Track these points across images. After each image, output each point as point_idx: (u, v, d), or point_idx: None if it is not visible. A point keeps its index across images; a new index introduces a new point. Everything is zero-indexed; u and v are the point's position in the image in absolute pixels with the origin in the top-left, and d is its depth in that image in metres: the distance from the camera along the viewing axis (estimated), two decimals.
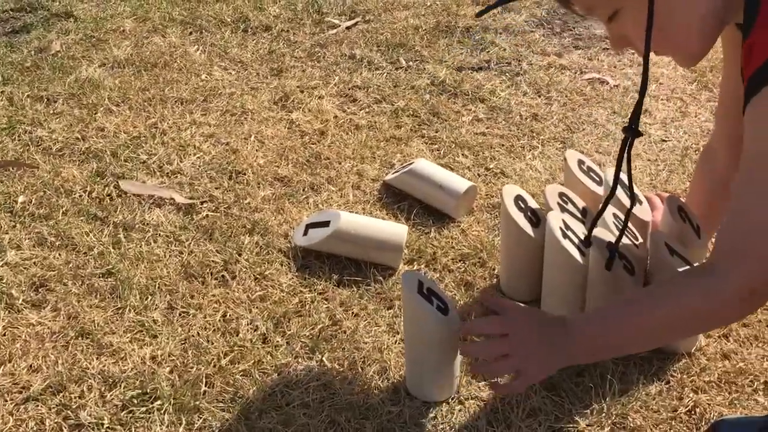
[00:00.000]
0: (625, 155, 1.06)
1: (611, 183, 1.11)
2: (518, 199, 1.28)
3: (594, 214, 1.27)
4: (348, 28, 2.19)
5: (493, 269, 1.36)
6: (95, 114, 1.79)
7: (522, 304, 1.06)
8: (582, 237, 1.20)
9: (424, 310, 1.07)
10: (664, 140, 1.73)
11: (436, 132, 1.75)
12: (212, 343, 1.22)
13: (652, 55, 0.97)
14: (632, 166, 0.98)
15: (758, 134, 0.87)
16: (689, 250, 1.18)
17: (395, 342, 1.22)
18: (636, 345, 1.04)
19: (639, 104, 1.00)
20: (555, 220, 1.20)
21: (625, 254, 1.16)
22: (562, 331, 0.98)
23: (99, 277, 1.34)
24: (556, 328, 0.99)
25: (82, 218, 1.48)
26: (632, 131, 1.02)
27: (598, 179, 1.37)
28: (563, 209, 1.27)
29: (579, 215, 1.27)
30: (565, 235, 1.19)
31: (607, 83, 1.93)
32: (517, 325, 1.00)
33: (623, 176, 1.16)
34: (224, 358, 1.19)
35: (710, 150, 1.29)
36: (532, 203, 1.30)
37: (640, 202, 1.30)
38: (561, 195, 1.29)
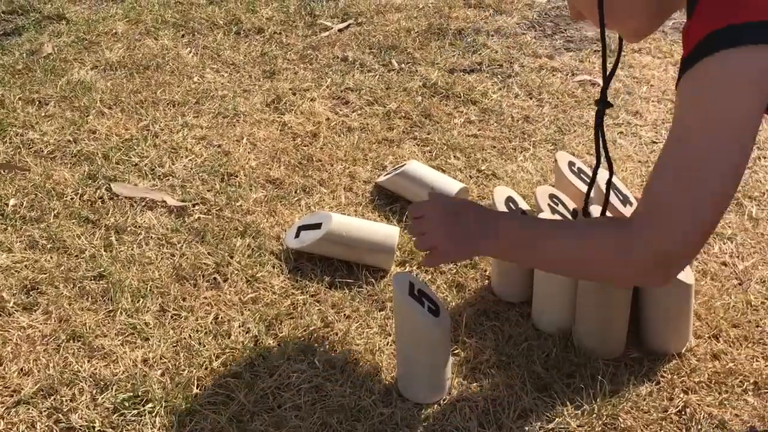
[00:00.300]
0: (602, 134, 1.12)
1: (597, 160, 1.15)
2: (509, 200, 1.29)
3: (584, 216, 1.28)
4: (340, 30, 2.19)
5: (485, 271, 1.36)
6: (87, 116, 1.79)
7: (436, 201, 1.10)
8: None
9: (415, 312, 1.07)
10: (654, 142, 1.74)
11: (428, 134, 1.75)
12: (204, 346, 1.22)
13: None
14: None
15: (686, 109, 0.91)
16: None
17: (387, 344, 1.22)
18: (544, 267, 1.12)
19: (604, 76, 1.06)
20: None
21: None
22: (481, 226, 1.03)
23: (90, 280, 1.34)
24: (476, 225, 1.03)
25: (73, 221, 1.48)
26: (602, 103, 1.07)
27: (588, 180, 1.37)
28: (554, 210, 1.27)
29: (569, 216, 1.28)
30: None
31: (598, 85, 1.93)
32: (431, 209, 1.06)
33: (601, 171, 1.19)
34: (216, 360, 1.19)
35: None
36: (523, 205, 1.31)
37: (630, 204, 1.31)
38: (551, 196, 1.30)
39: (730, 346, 1.22)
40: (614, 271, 0.98)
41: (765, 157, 1.68)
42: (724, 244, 1.44)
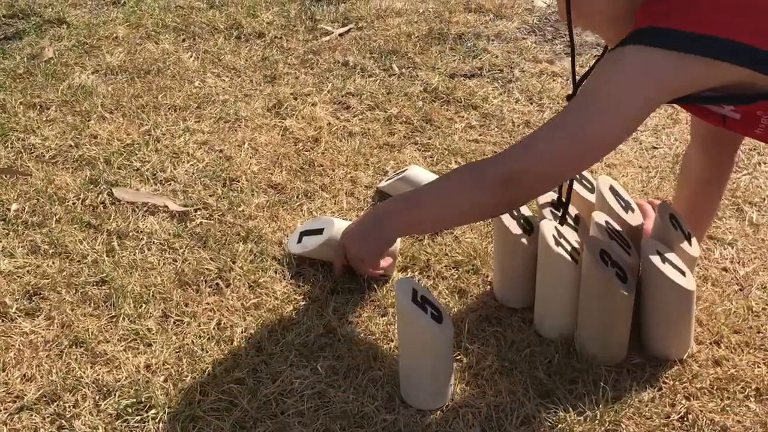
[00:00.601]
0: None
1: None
2: None
3: (587, 222, 1.28)
4: (341, 35, 2.19)
5: (487, 276, 1.37)
6: (88, 121, 1.79)
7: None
8: (575, 245, 1.21)
9: (418, 318, 1.08)
10: (655, 147, 1.75)
11: (429, 139, 1.75)
12: (207, 352, 1.22)
13: None
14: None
15: (594, 75, 1.04)
16: (681, 257, 1.19)
17: (389, 350, 1.22)
18: (439, 223, 1.25)
19: (573, 73, 1.16)
20: (548, 228, 1.21)
21: (618, 261, 1.17)
22: (374, 217, 1.22)
23: (93, 286, 1.34)
24: (370, 221, 1.22)
25: (75, 226, 1.48)
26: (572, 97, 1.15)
27: (590, 186, 1.38)
28: (555, 217, 1.27)
29: (572, 223, 1.28)
30: (558, 243, 1.20)
31: None
32: (344, 241, 1.27)
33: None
34: (219, 366, 1.19)
35: (687, 156, 1.35)
36: (526, 211, 1.31)
37: (633, 210, 1.31)
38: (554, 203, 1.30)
39: (731, 352, 1.22)
40: (473, 198, 1.09)
41: (765, 163, 1.69)
42: (725, 249, 1.44)
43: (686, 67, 0.95)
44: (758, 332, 1.26)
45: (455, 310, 1.30)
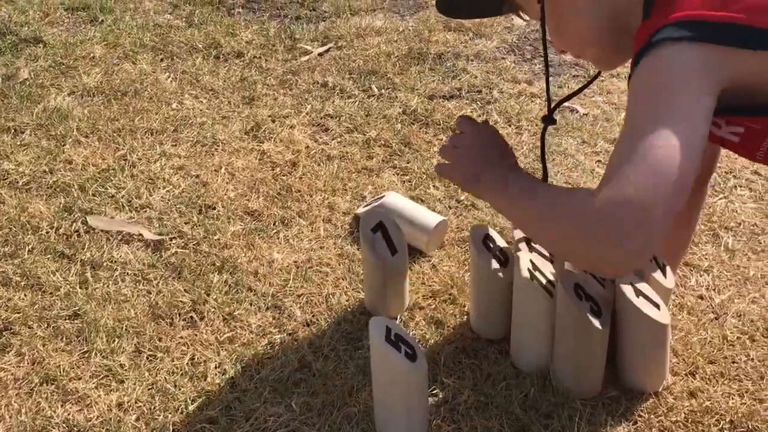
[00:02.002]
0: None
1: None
2: (486, 239, 1.29)
3: None
4: (320, 54, 2.19)
5: (464, 306, 1.36)
6: (63, 146, 1.77)
7: (483, 131, 1.15)
8: (551, 277, 1.21)
9: (392, 357, 1.07)
10: None
11: (408, 163, 1.75)
12: (180, 389, 1.20)
13: None
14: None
15: (635, 103, 0.91)
16: (655, 289, 1.20)
17: (365, 384, 1.21)
18: (521, 224, 1.09)
19: (548, 94, 1.11)
20: (523, 260, 1.21)
21: (592, 295, 1.17)
22: (495, 177, 1.06)
23: (65, 319, 1.32)
24: (493, 173, 1.07)
25: (48, 256, 1.46)
26: (548, 119, 1.10)
27: None
28: (531, 248, 1.27)
29: (547, 254, 1.28)
30: (533, 276, 1.19)
31: (577, 112, 1.94)
32: (465, 141, 1.13)
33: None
34: (192, 404, 1.18)
35: None
36: (501, 242, 1.31)
37: None
38: None
39: (706, 383, 1.22)
40: (572, 240, 0.90)
41: (740, 186, 1.69)
42: (701, 276, 1.44)
43: (716, 55, 0.86)
44: (733, 362, 1.26)
45: (432, 341, 1.30)
